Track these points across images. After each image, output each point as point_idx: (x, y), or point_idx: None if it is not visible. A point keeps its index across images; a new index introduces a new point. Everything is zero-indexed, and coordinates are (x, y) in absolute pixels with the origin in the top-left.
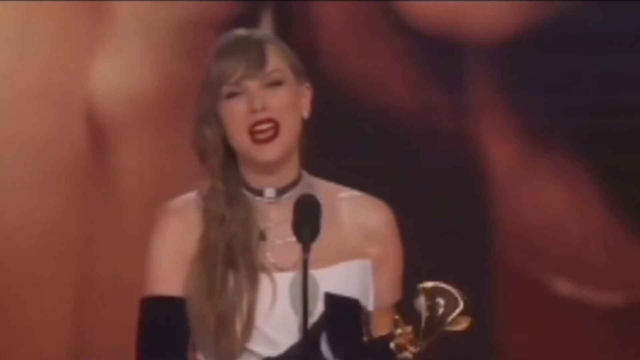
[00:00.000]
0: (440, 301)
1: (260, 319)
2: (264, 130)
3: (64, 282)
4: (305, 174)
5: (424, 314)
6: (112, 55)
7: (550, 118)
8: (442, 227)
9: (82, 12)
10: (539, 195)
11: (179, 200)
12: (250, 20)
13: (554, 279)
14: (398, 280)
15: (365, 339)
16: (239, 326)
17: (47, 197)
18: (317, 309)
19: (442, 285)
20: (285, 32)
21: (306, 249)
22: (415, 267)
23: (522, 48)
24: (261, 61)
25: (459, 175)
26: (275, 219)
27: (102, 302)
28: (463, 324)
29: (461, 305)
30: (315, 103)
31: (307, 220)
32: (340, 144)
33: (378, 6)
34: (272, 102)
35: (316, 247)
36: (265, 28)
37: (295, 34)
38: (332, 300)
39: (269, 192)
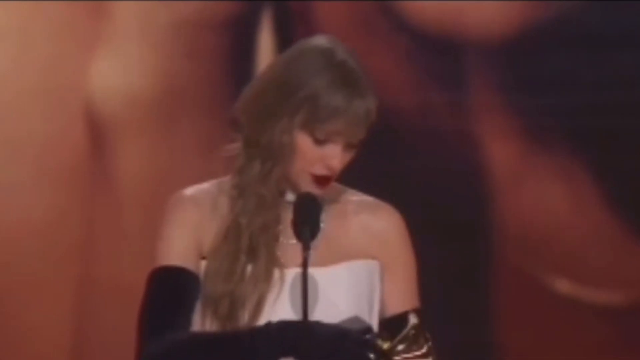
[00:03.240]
0: (414, 338)
1: (264, 313)
2: (324, 179)
3: (64, 281)
4: None
5: (400, 335)
6: (112, 55)
7: (550, 118)
8: (442, 227)
9: (82, 12)
10: (539, 195)
11: (193, 188)
12: (250, 20)
13: (554, 278)
14: (410, 288)
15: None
16: (246, 316)
17: (47, 197)
18: (318, 306)
19: (425, 332)
20: (285, 32)
21: (306, 248)
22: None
23: (522, 48)
24: (362, 132)
25: (459, 175)
26: (289, 220)
27: (102, 301)
28: None
29: (423, 351)
30: None
31: (307, 219)
32: None
33: (378, 6)
34: (343, 162)
35: (322, 246)
36: (265, 28)
37: (295, 34)
38: None
39: (290, 195)
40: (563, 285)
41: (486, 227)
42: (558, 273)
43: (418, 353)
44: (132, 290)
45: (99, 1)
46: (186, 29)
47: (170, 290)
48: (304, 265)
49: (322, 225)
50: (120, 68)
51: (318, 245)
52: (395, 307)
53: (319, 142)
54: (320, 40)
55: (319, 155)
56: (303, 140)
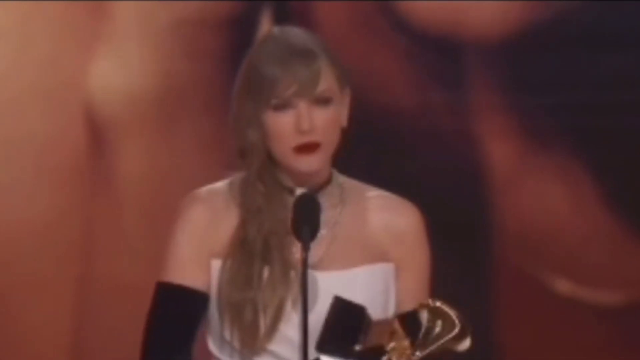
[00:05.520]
0: (439, 322)
1: (284, 317)
2: (307, 147)
3: (63, 281)
4: (335, 173)
5: (422, 330)
6: (112, 55)
7: (550, 118)
8: (441, 227)
9: (82, 12)
10: (538, 195)
11: (206, 189)
12: (250, 20)
13: (553, 279)
14: (423, 288)
15: (358, 347)
16: (268, 320)
17: (47, 197)
18: None
19: (445, 307)
20: None
21: (306, 248)
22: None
23: (522, 48)
24: (315, 81)
25: (459, 175)
26: None
27: (102, 301)
28: (461, 346)
29: (456, 330)
30: None
31: (306, 220)
32: (339, 144)
33: (378, 6)
34: (318, 122)
35: (343, 246)
36: (265, 28)
37: None
38: (339, 303)
39: (300, 192)
40: (563, 285)
41: (486, 227)
42: (558, 273)
43: (451, 336)
44: (132, 289)
45: (99, 1)
46: (186, 29)
47: (173, 311)
48: (304, 265)
49: (340, 224)
50: (120, 68)
51: (335, 242)
52: (406, 307)
53: (279, 108)
54: (273, 35)
55: (289, 127)
56: (267, 118)
